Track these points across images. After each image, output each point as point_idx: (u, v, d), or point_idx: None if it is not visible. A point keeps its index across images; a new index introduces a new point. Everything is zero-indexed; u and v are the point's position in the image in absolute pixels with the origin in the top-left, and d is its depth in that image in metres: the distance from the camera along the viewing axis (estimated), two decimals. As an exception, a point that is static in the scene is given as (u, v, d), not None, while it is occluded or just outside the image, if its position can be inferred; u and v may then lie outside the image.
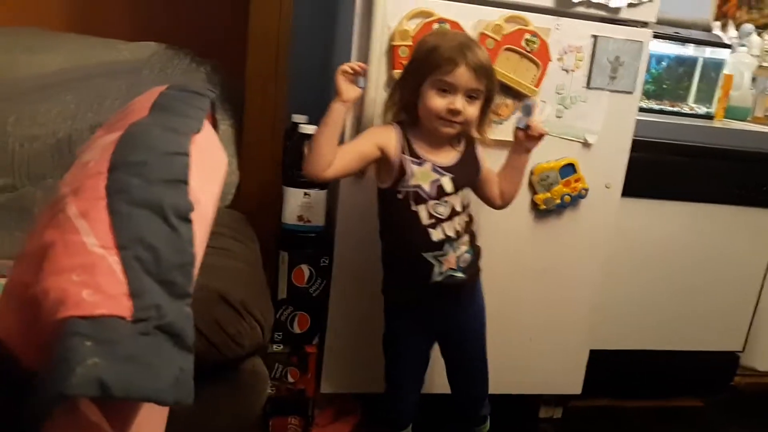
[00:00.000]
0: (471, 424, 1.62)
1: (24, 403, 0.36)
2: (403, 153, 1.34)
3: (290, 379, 1.71)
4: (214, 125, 0.70)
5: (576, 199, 1.72)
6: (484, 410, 1.62)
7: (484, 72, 1.30)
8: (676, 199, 1.94)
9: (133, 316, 0.37)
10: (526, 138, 1.41)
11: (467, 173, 1.41)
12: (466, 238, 1.40)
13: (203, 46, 1.84)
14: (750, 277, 2.08)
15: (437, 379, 1.63)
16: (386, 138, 1.35)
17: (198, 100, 0.58)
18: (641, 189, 1.85)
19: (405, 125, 1.37)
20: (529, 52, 1.58)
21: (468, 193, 1.43)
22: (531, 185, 1.70)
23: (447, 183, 1.36)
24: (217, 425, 1.10)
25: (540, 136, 1.40)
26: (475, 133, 1.41)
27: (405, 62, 1.50)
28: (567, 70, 1.65)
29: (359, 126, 1.53)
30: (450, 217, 1.36)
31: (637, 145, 1.76)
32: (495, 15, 1.55)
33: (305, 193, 1.64)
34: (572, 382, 1.92)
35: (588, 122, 1.69)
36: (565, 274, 1.81)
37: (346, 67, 1.31)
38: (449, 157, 1.39)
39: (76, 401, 0.34)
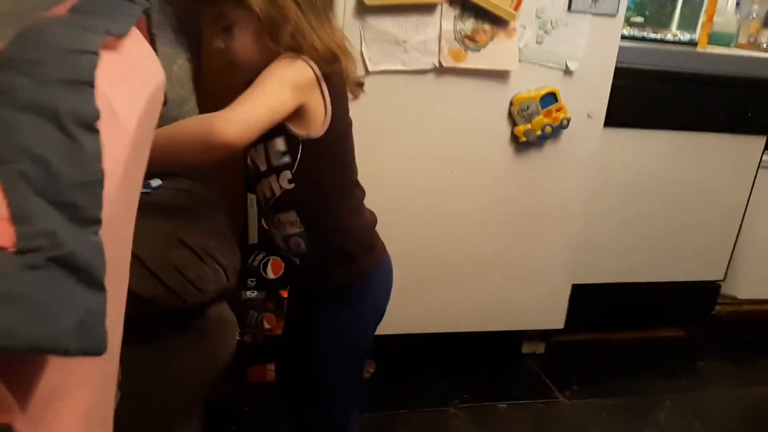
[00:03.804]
0: None
1: None
2: None
3: (267, 326, 1.66)
4: (152, 42, 0.61)
5: (557, 129, 1.65)
6: None
7: None
8: (659, 128, 1.88)
9: (16, 245, 0.29)
10: None
11: None
12: (291, 215, 1.02)
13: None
14: (732, 206, 2.05)
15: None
16: None
17: (126, 5, 0.49)
18: (624, 118, 1.79)
19: None
20: (506, -28, 1.48)
21: (277, 146, 0.99)
22: (511, 116, 1.62)
23: None
24: (185, 376, 1.04)
25: None
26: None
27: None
28: (547, -8, 1.55)
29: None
30: (256, 175, 1.04)
31: (620, 73, 1.68)
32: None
33: (273, 131, 1.55)
34: (554, 317, 1.90)
35: (569, 48, 1.60)
36: (546, 208, 1.75)
37: None
38: None
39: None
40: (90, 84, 0.36)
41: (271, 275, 1.64)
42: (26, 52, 0.34)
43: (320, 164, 1.00)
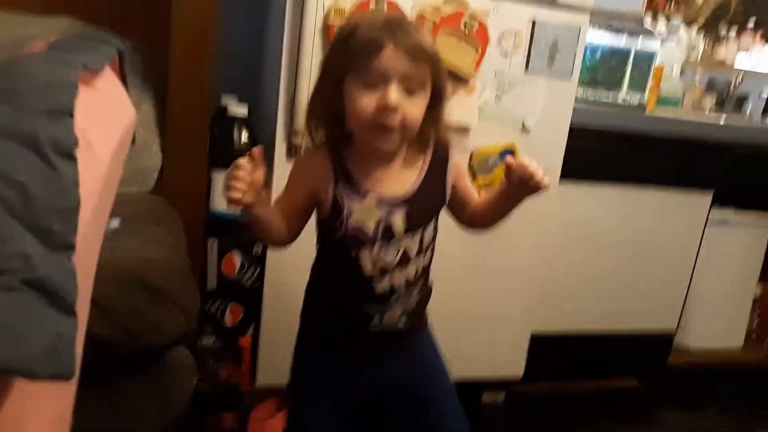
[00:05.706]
0: None
1: None
2: (337, 184, 1.01)
3: (223, 374, 1.63)
4: (123, 80, 0.63)
5: (515, 183, 1.70)
6: None
7: (423, 54, 0.95)
8: (612, 182, 1.96)
9: (-11, 266, 0.29)
10: (507, 176, 1.07)
11: (430, 203, 1.07)
12: (420, 283, 1.08)
13: (123, 25, 1.70)
14: (683, 258, 2.13)
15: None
16: (315, 177, 1.02)
17: (102, 46, 0.51)
18: (579, 173, 1.86)
19: (338, 143, 1.03)
20: (467, 34, 1.55)
21: (431, 226, 1.08)
22: (471, 169, 1.66)
23: (398, 221, 1.02)
24: (140, 419, 1.01)
25: (528, 179, 1.07)
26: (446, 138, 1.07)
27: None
28: (505, 54, 1.62)
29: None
30: (401, 264, 1.04)
31: (574, 132, 1.76)
32: (434, -5, 1.51)
33: (236, 177, 1.55)
34: (514, 366, 1.91)
35: (527, 106, 1.67)
36: (505, 258, 1.79)
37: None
38: (404, 181, 1.04)
39: None
40: (69, 114, 0.37)
41: (228, 322, 1.62)
42: (7, 82, 0.35)
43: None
